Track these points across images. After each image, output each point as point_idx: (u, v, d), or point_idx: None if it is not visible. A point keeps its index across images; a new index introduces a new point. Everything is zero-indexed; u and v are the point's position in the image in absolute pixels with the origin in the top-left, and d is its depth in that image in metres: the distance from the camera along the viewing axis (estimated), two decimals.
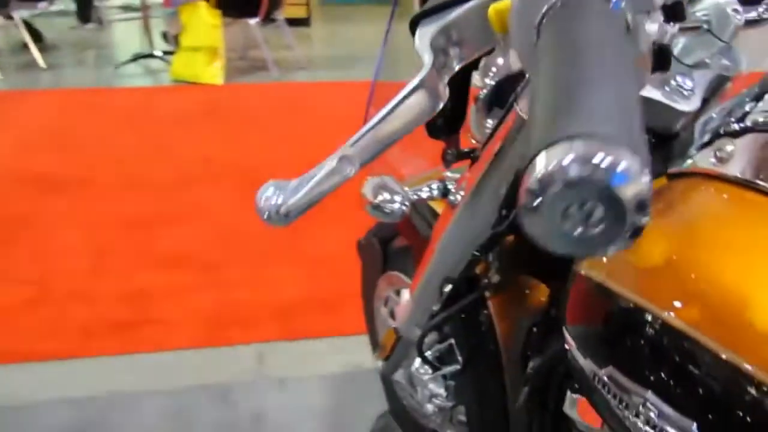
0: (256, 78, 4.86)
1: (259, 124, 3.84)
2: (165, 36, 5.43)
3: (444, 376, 1.17)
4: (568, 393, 0.80)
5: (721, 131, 0.65)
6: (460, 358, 1.09)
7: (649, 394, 0.53)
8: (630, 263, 0.59)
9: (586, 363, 0.60)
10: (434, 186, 1.00)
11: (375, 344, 1.54)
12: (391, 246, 1.45)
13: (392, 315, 1.38)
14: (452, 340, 1.10)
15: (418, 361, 1.19)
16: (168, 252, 2.47)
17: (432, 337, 1.12)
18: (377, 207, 0.97)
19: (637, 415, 0.54)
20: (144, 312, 2.12)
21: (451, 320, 1.07)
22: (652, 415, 0.52)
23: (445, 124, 0.99)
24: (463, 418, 1.27)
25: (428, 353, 1.13)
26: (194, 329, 2.05)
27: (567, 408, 0.80)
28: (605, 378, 0.57)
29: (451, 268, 1.00)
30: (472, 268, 1.02)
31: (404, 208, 0.96)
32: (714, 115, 0.77)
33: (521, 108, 0.75)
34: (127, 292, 2.22)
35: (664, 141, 0.79)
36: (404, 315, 1.13)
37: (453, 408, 1.24)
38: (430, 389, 1.19)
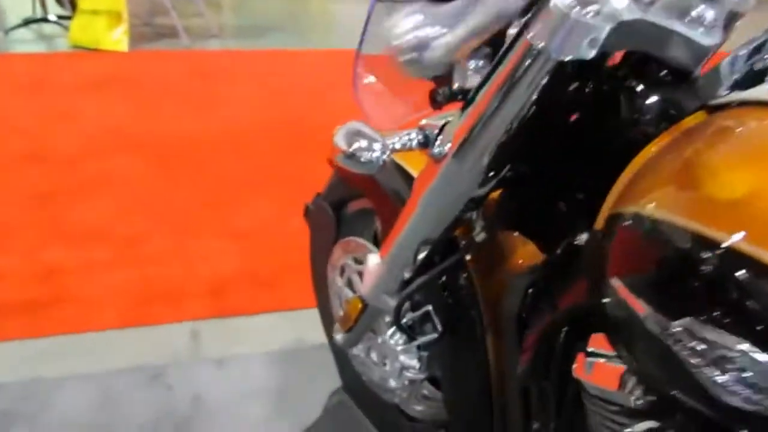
0: (165, 45, 4.58)
1: (171, 92, 3.61)
2: None
3: (418, 347, 1.09)
4: (581, 356, 0.74)
5: None
6: (438, 326, 1.00)
7: (746, 346, 0.46)
8: (704, 197, 0.52)
9: (649, 317, 0.52)
10: (413, 135, 0.90)
11: (326, 317, 1.44)
12: (346, 210, 1.35)
13: (350, 284, 1.28)
14: (429, 307, 1.01)
15: (390, 331, 1.10)
16: (81, 226, 2.26)
17: (405, 305, 1.04)
18: (352, 156, 0.87)
19: (723, 372, 0.47)
20: (59, 291, 1.93)
21: (429, 285, 0.99)
22: (746, 370, 0.45)
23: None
24: (427, 392, 1.19)
25: (402, 322, 1.04)
26: (118, 308, 1.88)
27: (579, 372, 0.74)
28: (679, 331, 0.50)
29: (432, 229, 0.91)
30: (455, 228, 0.94)
31: (383, 156, 0.87)
32: (740, 54, 0.71)
33: (534, 35, 0.67)
34: (38, 270, 2.01)
35: (683, 79, 0.72)
36: (372, 282, 1.04)
37: (422, 381, 1.16)
38: (402, 361, 1.11)
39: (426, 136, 0.90)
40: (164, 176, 2.63)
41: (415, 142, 0.90)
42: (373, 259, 1.05)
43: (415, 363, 1.10)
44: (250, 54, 4.44)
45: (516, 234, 0.93)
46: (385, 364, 1.18)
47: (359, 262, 1.22)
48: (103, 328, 1.81)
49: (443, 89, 0.85)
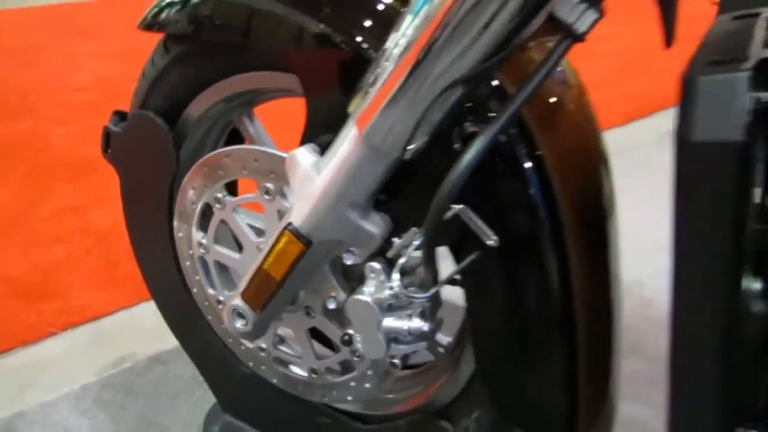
0: None
1: None
2: None
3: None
4: None
5: None
6: (487, 234, 0.54)
7: None
8: None
9: None
10: None
11: (173, 306, 0.95)
12: (188, 116, 0.81)
13: (218, 239, 0.79)
14: (457, 208, 0.55)
15: (377, 275, 0.63)
16: None
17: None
18: None
19: None
20: None
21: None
22: None
23: None
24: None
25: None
26: None
27: None
28: None
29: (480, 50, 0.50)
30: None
31: None
32: None
33: None
34: None
35: None
36: (326, 196, 0.57)
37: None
38: (387, 326, 0.63)
39: None
40: None
41: None
42: (307, 157, 0.58)
43: (409, 324, 0.62)
44: None
45: None
46: (335, 345, 0.73)
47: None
48: None
49: None
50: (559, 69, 0.64)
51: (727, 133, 0.41)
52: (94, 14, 3.70)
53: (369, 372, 0.76)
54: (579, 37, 0.47)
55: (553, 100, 0.62)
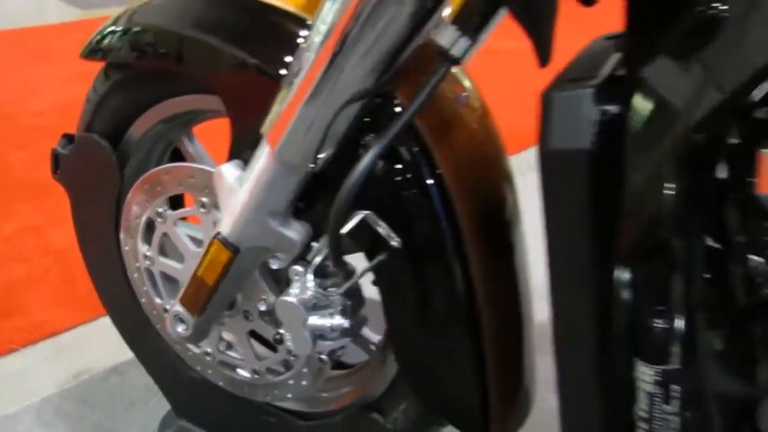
0: None
1: None
2: None
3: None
4: None
5: None
6: (390, 236, 0.61)
7: None
8: None
9: None
10: None
11: (125, 317, 1.00)
12: (130, 136, 0.87)
13: (163, 251, 0.84)
14: (362, 214, 0.61)
15: (301, 278, 0.68)
16: None
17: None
18: None
19: None
20: None
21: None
22: None
23: None
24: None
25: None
26: None
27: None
28: None
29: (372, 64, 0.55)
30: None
31: None
32: None
33: None
34: None
35: None
36: (247, 204, 0.63)
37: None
38: (312, 324, 0.69)
39: None
40: None
41: None
42: (231, 172, 0.64)
43: (331, 321, 0.68)
44: None
45: None
46: (274, 346, 0.78)
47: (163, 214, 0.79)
48: None
49: None
50: (463, 94, 0.71)
51: (577, 141, 0.48)
52: (53, 37, 3.72)
53: (304, 370, 0.82)
54: (456, 61, 0.54)
55: (454, 120, 0.69)
